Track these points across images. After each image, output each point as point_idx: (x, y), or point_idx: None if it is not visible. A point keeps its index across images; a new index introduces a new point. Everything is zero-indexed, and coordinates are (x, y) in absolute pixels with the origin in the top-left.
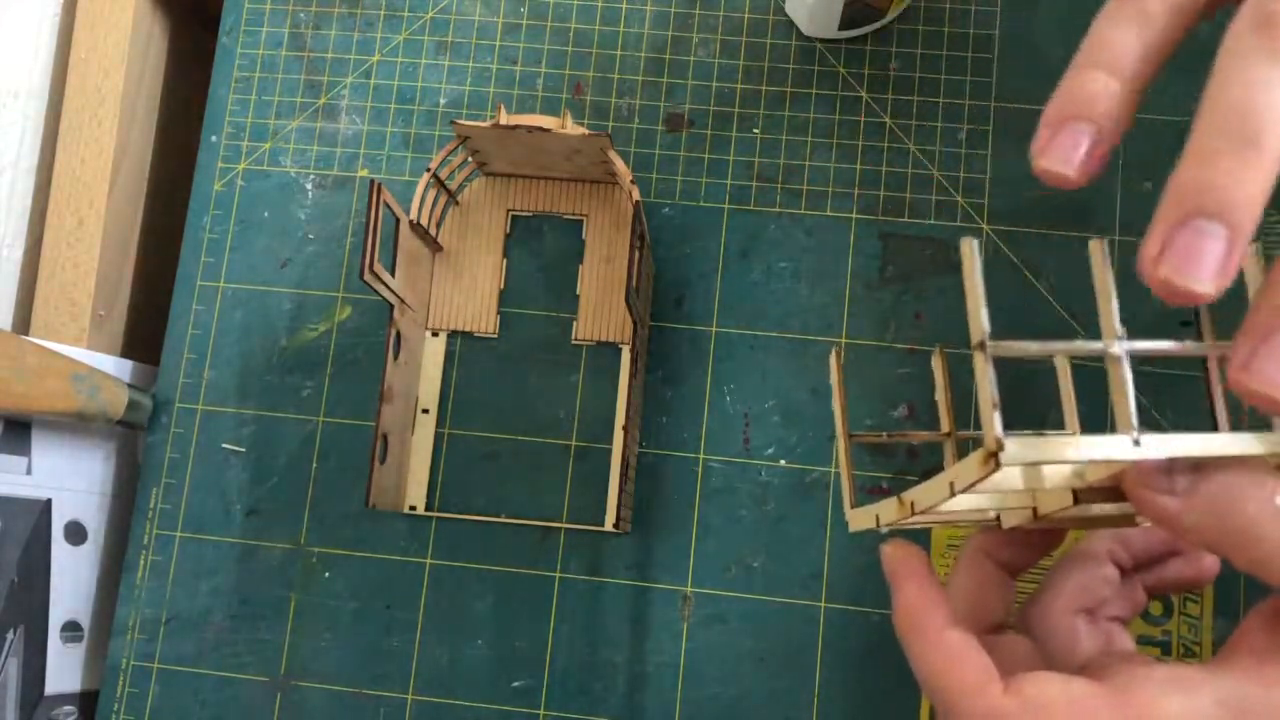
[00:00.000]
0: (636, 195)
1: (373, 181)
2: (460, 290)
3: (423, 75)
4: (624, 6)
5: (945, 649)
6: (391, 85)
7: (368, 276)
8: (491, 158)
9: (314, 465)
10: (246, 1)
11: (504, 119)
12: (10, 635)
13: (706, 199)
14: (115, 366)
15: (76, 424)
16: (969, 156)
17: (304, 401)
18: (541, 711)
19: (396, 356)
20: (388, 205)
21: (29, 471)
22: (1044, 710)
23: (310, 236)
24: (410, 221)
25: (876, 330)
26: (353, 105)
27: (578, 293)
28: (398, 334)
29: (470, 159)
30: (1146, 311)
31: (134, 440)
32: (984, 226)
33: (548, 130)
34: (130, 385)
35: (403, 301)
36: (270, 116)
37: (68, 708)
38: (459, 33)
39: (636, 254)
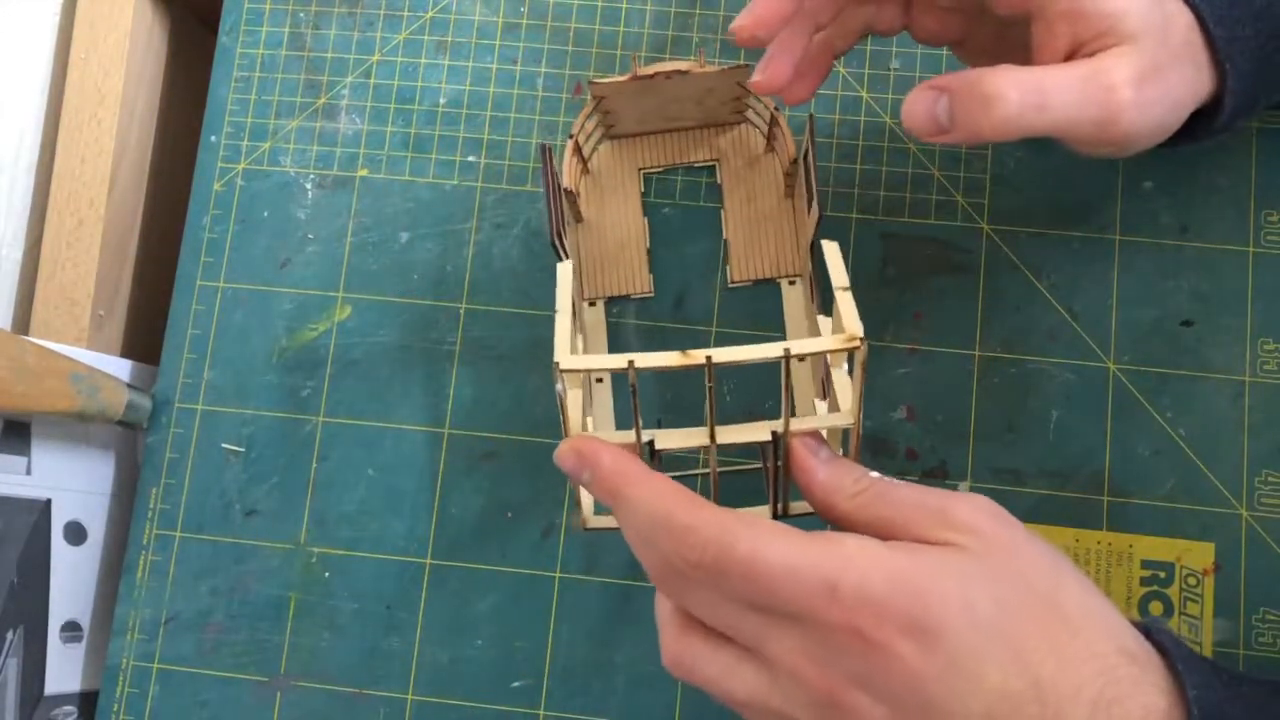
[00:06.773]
0: (780, 112)
1: (543, 145)
2: (607, 255)
3: (423, 75)
4: (624, 6)
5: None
6: (391, 85)
7: (556, 241)
8: (621, 117)
9: (314, 465)
10: (246, 1)
11: (641, 70)
12: (10, 635)
13: (707, 199)
14: (115, 366)
15: (76, 424)
16: (969, 156)
17: (304, 401)
18: (541, 711)
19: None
20: (555, 173)
21: (29, 471)
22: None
23: (310, 236)
24: (565, 189)
25: (876, 330)
26: (353, 105)
27: (725, 236)
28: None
29: (600, 121)
30: (1145, 318)
31: (134, 440)
32: (984, 226)
33: (686, 73)
34: (130, 385)
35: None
36: (270, 116)
37: (67, 708)
38: (459, 33)
39: (809, 158)
